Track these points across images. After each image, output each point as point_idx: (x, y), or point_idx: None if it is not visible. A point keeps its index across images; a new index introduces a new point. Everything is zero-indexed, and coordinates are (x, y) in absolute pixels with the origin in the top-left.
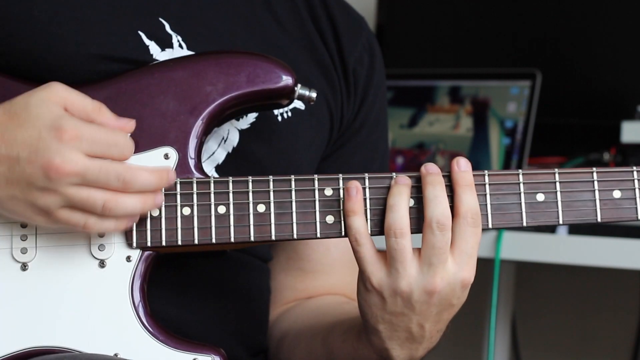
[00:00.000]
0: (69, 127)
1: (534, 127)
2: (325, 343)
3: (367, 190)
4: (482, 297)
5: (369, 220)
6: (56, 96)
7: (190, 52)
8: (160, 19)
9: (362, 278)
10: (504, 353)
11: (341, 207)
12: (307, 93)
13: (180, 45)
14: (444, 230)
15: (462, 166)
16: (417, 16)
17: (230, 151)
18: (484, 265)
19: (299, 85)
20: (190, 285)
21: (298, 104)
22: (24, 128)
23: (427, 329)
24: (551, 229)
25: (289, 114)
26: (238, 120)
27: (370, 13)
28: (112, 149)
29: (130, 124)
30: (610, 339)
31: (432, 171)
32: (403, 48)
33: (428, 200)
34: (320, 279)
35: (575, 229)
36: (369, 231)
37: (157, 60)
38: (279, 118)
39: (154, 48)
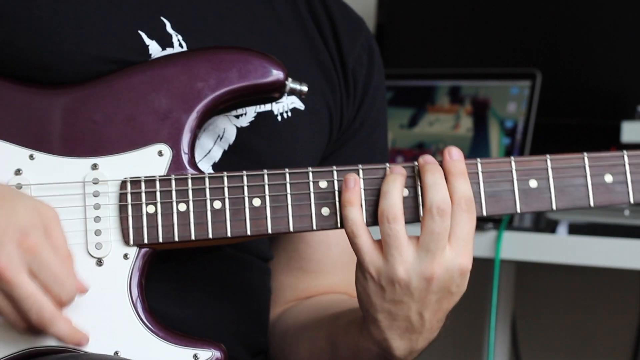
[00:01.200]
0: (34, 239)
1: (534, 127)
2: (329, 336)
3: (361, 181)
4: (482, 297)
5: (364, 211)
6: (46, 214)
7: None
8: (162, 18)
9: (361, 268)
10: (504, 353)
11: (336, 199)
12: (298, 87)
13: (180, 45)
14: (444, 215)
15: (454, 155)
16: (417, 16)
17: (226, 148)
18: (484, 265)
19: (290, 80)
20: (190, 285)
21: (298, 103)
22: None
23: (427, 318)
24: (551, 228)
25: (289, 113)
26: (237, 117)
27: (370, 13)
28: (55, 285)
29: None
30: (610, 339)
31: (430, 160)
32: (403, 48)
33: (428, 186)
34: (321, 278)
35: (575, 229)
36: (365, 222)
37: None
38: (279, 118)
39: (154, 48)
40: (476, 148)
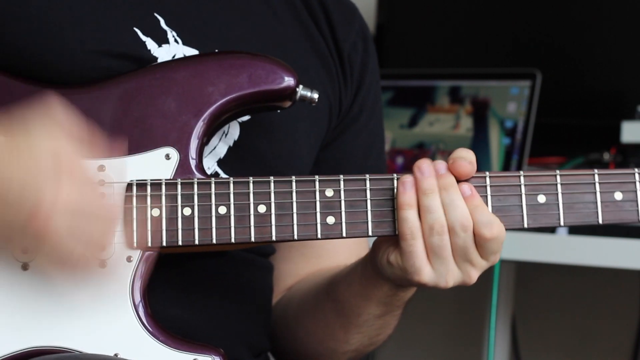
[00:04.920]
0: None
1: (534, 127)
2: (330, 294)
3: (368, 192)
4: (482, 297)
5: (369, 222)
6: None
7: (186, 47)
8: (156, 15)
9: (408, 271)
10: (504, 353)
11: (342, 208)
12: (308, 94)
13: (176, 41)
14: (467, 230)
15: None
16: (417, 16)
17: (231, 145)
18: None
19: (301, 87)
20: (192, 285)
21: None
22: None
23: None
24: (551, 229)
25: None
26: None
27: (370, 13)
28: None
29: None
30: (610, 339)
31: (442, 172)
32: (403, 48)
33: (445, 205)
34: (323, 262)
35: (575, 229)
36: (370, 232)
37: (154, 55)
38: (278, 109)
39: (150, 44)
40: (476, 148)
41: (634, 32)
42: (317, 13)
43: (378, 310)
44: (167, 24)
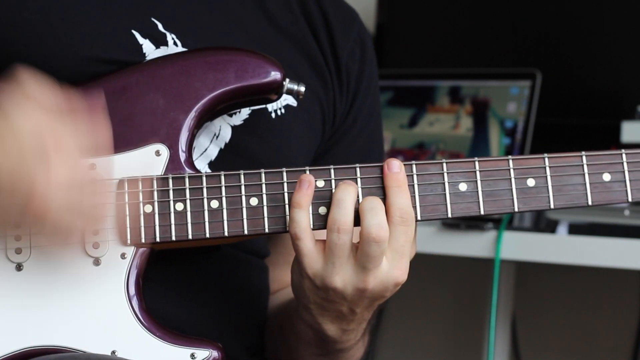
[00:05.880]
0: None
1: (534, 127)
2: (279, 321)
3: (359, 180)
4: (482, 297)
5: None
6: (47, 133)
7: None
8: (153, 19)
9: (299, 266)
10: (504, 353)
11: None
12: (295, 87)
13: (175, 43)
14: (380, 241)
15: (393, 168)
16: (417, 16)
17: (222, 147)
18: (484, 265)
19: (287, 80)
20: (188, 284)
21: (290, 100)
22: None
23: (359, 312)
24: (551, 229)
25: (283, 110)
26: (231, 116)
27: (370, 13)
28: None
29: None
30: (610, 339)
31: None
32: (403, 48)
33: (365, 211)
34: None
35: (575, 229)
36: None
37: (150, 58)
38: (273, 115)
39: (147, 47)
40: (476, 148)
41: (634, 32)
42: (316, 21)
43: (312, 351)
44: (164, 27)
